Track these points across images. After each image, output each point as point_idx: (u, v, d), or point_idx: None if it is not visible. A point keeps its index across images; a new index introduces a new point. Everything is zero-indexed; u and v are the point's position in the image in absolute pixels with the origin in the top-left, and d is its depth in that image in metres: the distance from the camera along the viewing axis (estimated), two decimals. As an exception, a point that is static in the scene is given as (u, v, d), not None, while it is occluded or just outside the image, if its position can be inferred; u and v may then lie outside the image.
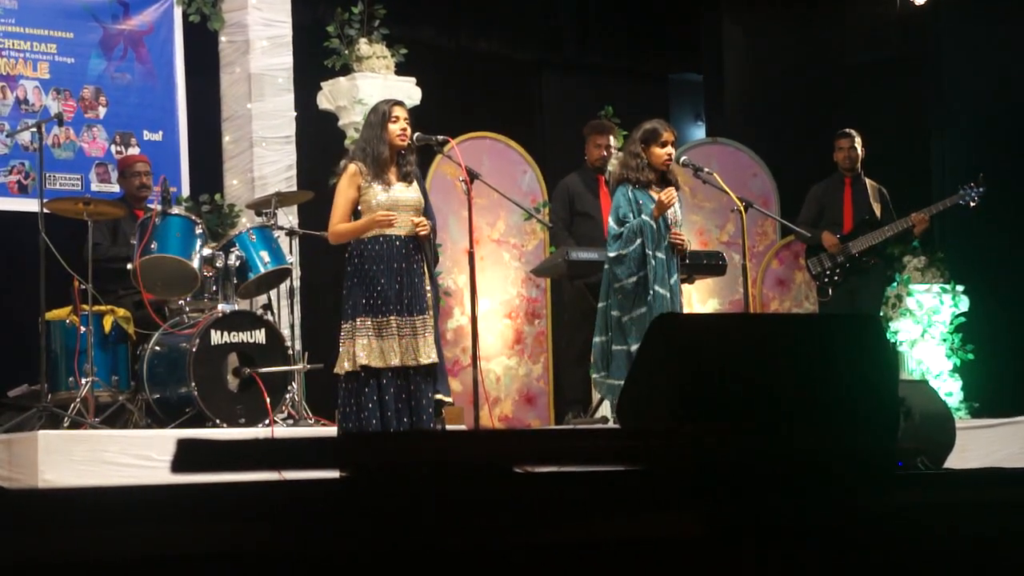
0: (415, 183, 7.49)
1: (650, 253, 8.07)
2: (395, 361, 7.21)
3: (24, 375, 8.75)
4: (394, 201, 7.33)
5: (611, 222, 8.28)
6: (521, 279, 11.11)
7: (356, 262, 7.35)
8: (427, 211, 7.62)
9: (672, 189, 8.18)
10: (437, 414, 7.45)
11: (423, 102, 10.40)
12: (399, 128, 7.38)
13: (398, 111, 7.44)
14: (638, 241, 8.09)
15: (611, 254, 8.19)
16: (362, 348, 7.19)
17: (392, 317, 7.24)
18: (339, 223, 7.40)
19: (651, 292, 8.03)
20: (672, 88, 14.31)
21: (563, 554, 2.35)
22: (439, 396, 7.45)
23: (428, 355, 7.28)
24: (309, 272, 9.78)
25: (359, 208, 7.39)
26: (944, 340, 11.27)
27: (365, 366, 7.18)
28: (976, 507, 2.81)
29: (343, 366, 7.27)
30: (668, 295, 8.07)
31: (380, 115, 7.43)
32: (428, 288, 7.42)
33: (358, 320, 7.24)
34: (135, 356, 8.44)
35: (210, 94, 10.49)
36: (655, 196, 8.17)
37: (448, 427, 8.43)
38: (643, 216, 8.12)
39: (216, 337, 8.21)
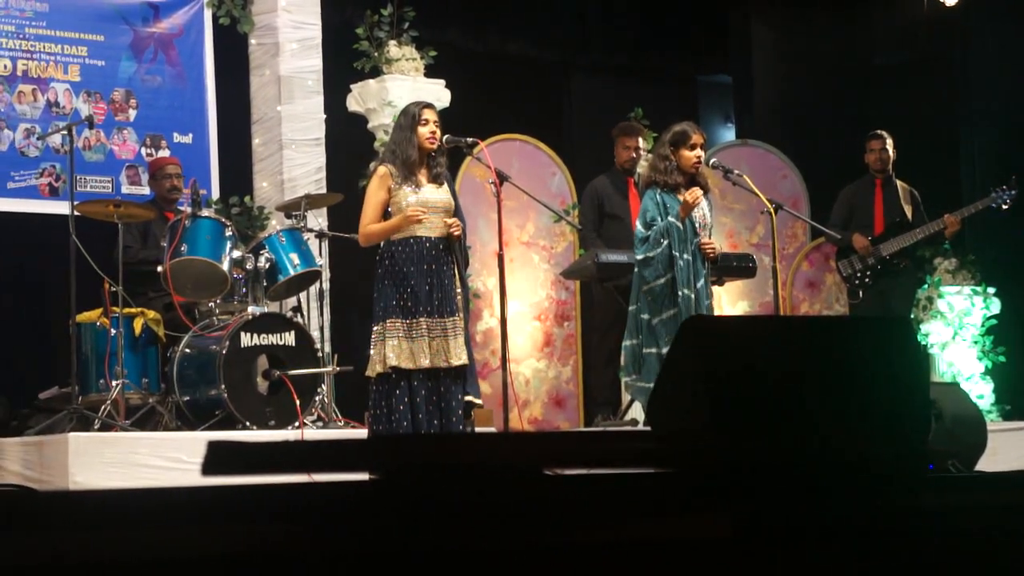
0: (445, 184, 7.48)
1: (677, 255, 8.05)
2: (425, 362, 7.20)
3: (55, 377, 8.79)
4: (424, 202, 7.32)
5: (638, 226, 8.26)
6: (550, 281, 11.11)
7: (387, 264, 7.35)
8: (457, 213, 7.62)
9: (697, 188, 8.15)
10: (467, 416, 7.44)
11: (452, 104, 10.40)
12: (428, 131, 7.37)
13: (428, 114, 7.43)
14: (665, 243, 8.07)
15: (639, 257, 8.18)
16: (392, 349, 7.19)
17: (423, 319, 7.24)
18: (369, 224, 7.40)
19: (680, 294, 8.01)
20: (701, 89, 14.30)
21: (592, 555, 2.34)
22: (469, 398, 7.43)
23: (459, 356, 7.28)
24: (339, 274, 9.80)
25: (389, 210, 7.38)
26: (975, 342, 11.23)
27: (396, 367, 7.17)
28: (1008, 510, 2.80)
29: (374, 368, 7.27)
30: (694, 297, 8.04)
31: (410, 118, 7.43)
32: (458, 289, 7.42)
33: (388, 322, 7.24)
34: (165, 358, 8.45)
35: (240, 96, 10.52)
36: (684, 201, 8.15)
37: (478, 429, 8.42)
38: (669, 218, 8.10)
39: (246, 339, 8.22)
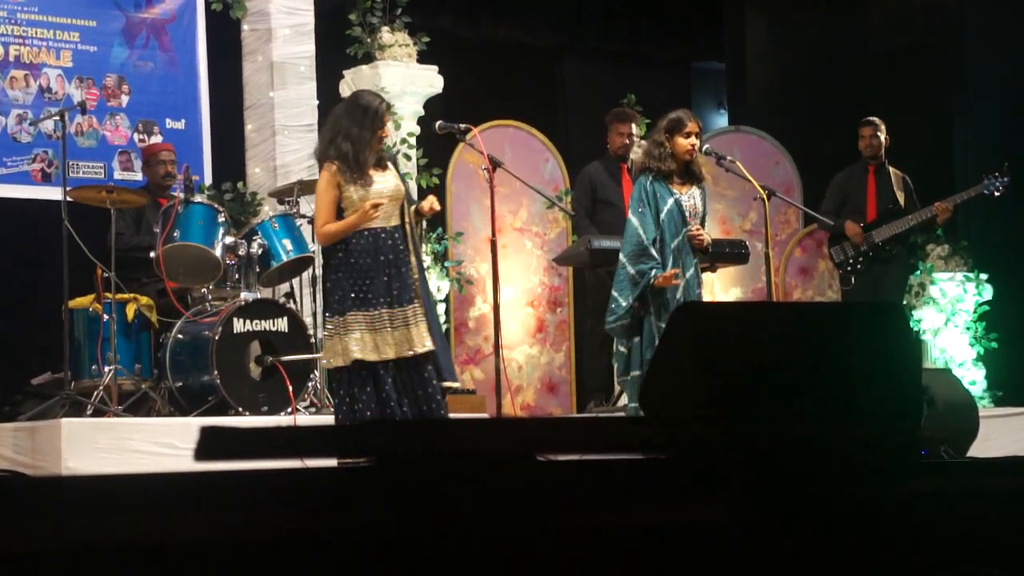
0: (390, 167, 7.35)
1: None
2: (390, 353, 7.14)
3: (47, 363, 8.77)
4: (372, 195, 7.18)
5: (630, 214, 8.23)
6: (543, 267, 11.11)
7: (341, 256, 7.21)
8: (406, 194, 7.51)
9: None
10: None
11: (445, 90, 10.40)
12: (386, 132, 7.29)
13: (387, 115, 7.35)
14: (640, 284, 7.93)
15: (630, 271, 8.01)
16: (355, 342, 7.10)
17: (383, 310, 7.15)
18: (325, 224, 7.28)
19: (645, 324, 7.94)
20: (694, 76, 14.28)
21: (585, 540, 2.35)
22: (447, 384, 7.36)
23: (423, 343, 7.20)
24: (331, 260, 9.78)
25: (341, 207, 7.25)
26: (967, 329, 11.25)
27: (358, 360, 7.12)
28: (999, 495, 2.80)
29: (333, 361, 7.20)
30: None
31: (372, 117, 7.25)
32: (416, 276, 7.32)
33: (349, 315, 7.15)
34: (158, 344, 8.45)
35: (232, 82, 10.50)
36: (675, 190, 8.09)
37: (470, 415, 8.42)
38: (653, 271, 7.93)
39: (238, 325, 8.22)
